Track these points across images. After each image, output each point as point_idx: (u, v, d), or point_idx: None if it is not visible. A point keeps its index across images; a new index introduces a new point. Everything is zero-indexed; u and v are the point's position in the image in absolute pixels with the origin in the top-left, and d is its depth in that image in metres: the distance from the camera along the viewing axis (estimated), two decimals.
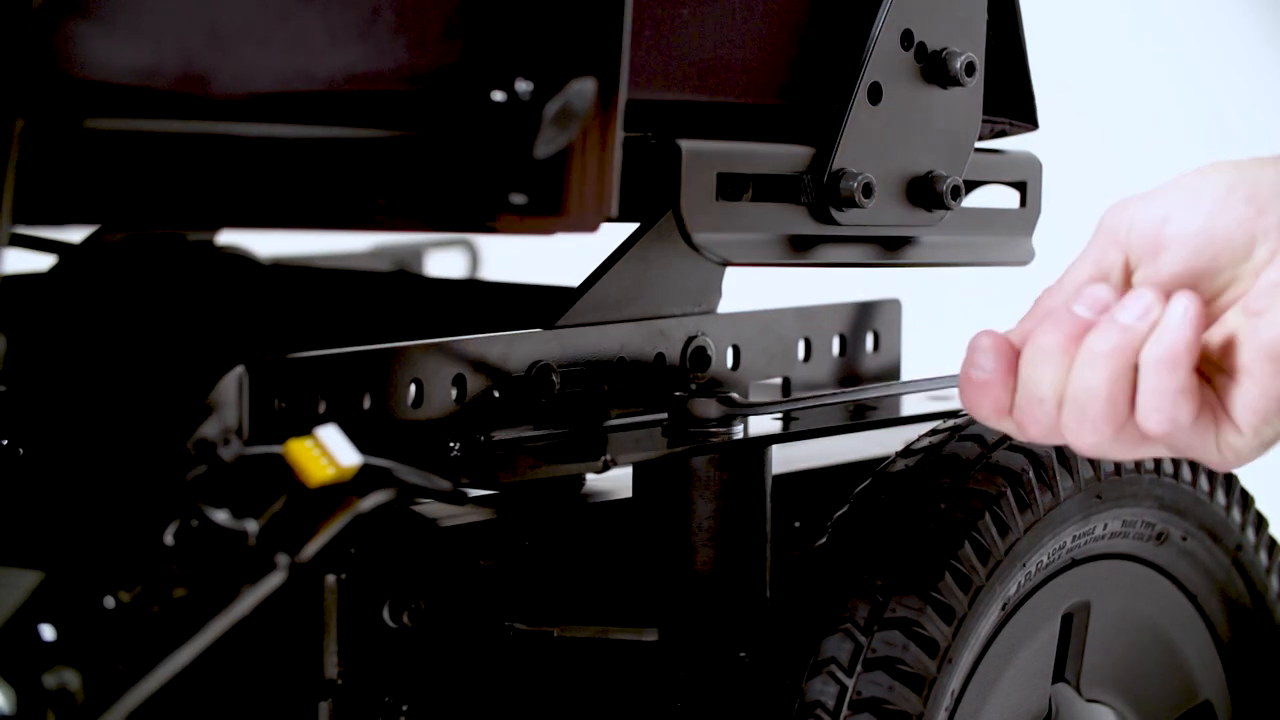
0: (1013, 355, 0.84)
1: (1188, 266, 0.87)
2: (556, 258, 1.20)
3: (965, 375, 0.84)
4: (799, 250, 0.96)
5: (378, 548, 0.86)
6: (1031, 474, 0.96)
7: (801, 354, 1.08)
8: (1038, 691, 1.00)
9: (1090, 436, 0.83)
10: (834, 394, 1.01)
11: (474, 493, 0.92)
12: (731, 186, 0.93)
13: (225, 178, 0.73)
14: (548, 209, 0.78)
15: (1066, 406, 0.83)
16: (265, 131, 0.74)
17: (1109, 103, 2.55)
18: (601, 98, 0.78)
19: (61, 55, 0.67)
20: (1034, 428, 0.84)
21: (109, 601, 0.72)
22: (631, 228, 0.96)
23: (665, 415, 0.96)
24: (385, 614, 0.86)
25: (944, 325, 1.07)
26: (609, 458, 0.94)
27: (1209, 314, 0.86)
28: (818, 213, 0.96)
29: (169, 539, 0.74)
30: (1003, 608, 0.96)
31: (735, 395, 0.95)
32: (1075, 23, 2.43)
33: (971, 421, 0.97)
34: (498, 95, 0.77)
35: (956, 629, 0.92)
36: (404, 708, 0.87)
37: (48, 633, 0.71)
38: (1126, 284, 0.88)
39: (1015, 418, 0.85)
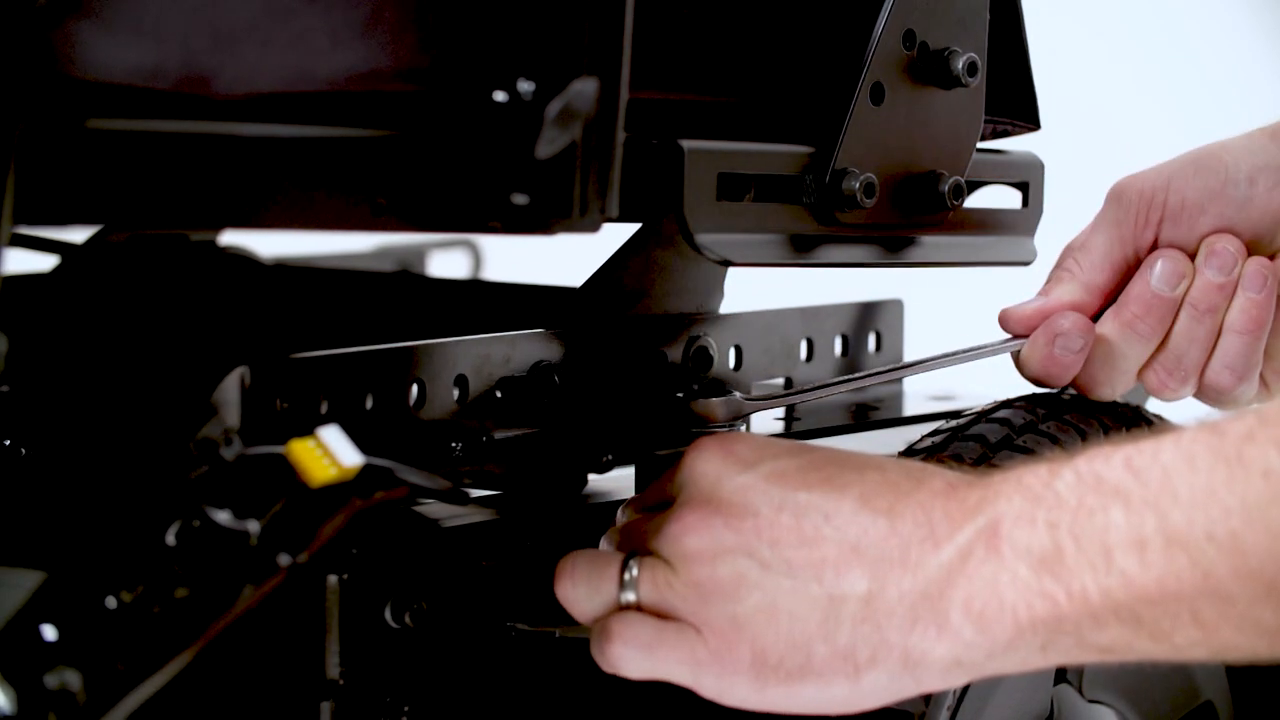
0: (1091, 330, 0.98)
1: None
2: (558, 258, 1.20)
3: (1048, 354, 0.98)
4: (801, 250, 0.96)
5: (380, 548, 0.86)
6: None
7: (804, 354, 1.08)
8: (1040, 692, 0.99)
9: (1185, 389, 1.00)
10: (871, 374, 1.02)
11: (476, 493, 0.92)
12: (733, 187, 0.93)
13: (227, 178, 0.74)
14: (550, 209, 0.78)
15: (1160, 363, 0.99)
16: (267, 131, 0.74)
17: (1111, 103, 2.55)
18: (603, 98, 0.78)
19: (64, 55, 0.67)
20: (1106, 390, 1.00)
21: (111, 602, 0.72)
22: (633, 228, 0.96)
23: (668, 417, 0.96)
24: (387, 614, 0.86)
25: (946, 325, 1.06)
26: (609, 457, 0.94)
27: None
28: (819, 213, 0.96)
29: (171, 539, 0.74)
30: None
31: (737, 394, 0.95)
32: (1077, 23, 2.43)
33: (974, 421, 0.97)
34: (500, 95, 0.77)
35: None
36: (406, 708, 0.87)
37: (49, 633, 0.71)
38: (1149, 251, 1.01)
39: (1083, 380, 1.00)
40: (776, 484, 0.81)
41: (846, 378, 1.02)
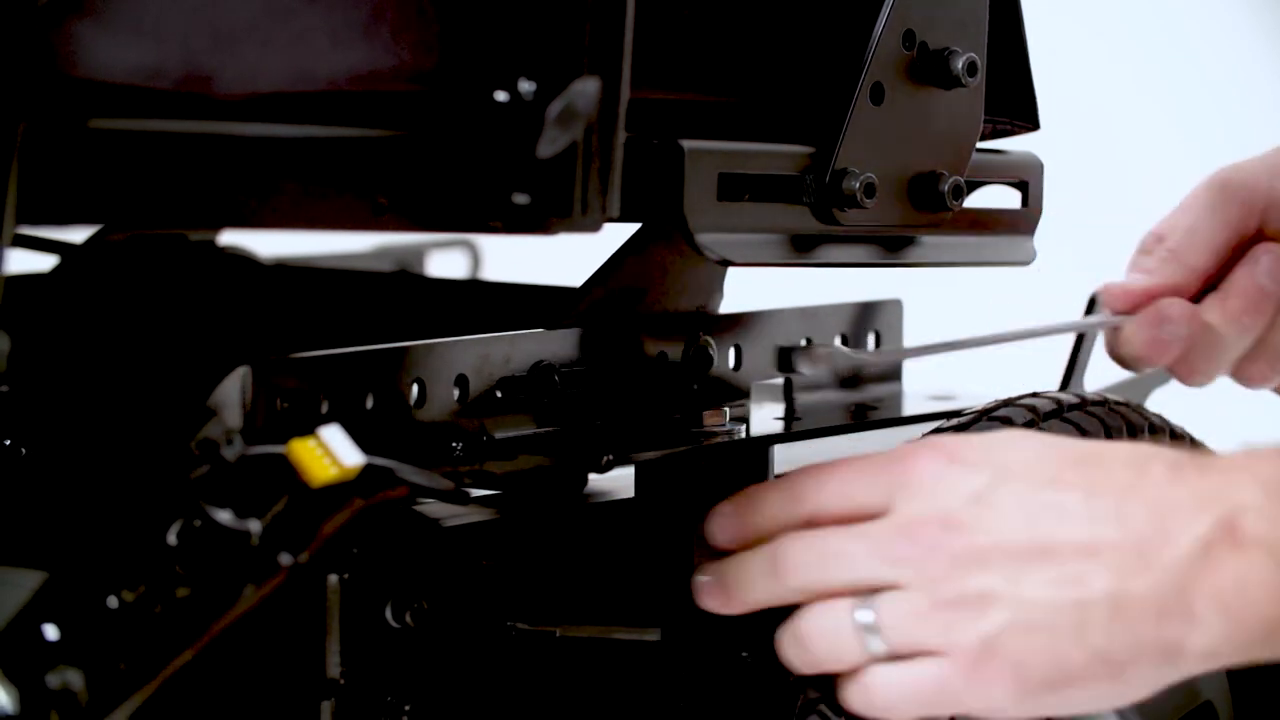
0: (1197, 318, 0.98)
1: None
2: (559, 258, 1.20)
3: (1154, 336, 0.98)
4: (801, 250, 0.96)
5: (380, 548, 0.86)
6: None
7: None
8: None
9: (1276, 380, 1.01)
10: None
11: (476, 493, 0.93)
12: (733, 186, 0.93)
13: (228, 178, 0.74)
14: (550, 209, 0.78)
15: (1263, 356, 1.00)
16: (267, 131, 0.74)
17: (1111, 103, 2.55)
18: (604, 98, 0.78)
19: (65, 55, 0.67)
20: (1201, 377, 1.00)
21: (112, 601, 0.72)
22: (633, 228, 0.96)
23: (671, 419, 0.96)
24: (388, 614, 0.86)
25: (945, 325, 1.06)
26: (609, 457, 0.94)
27: None
28: (819, 213, 0.96)
29: (172, 539, 0.74)
30: None
31: (746, 403, 0.95)
32: (1077, 23, 2.43)
33: (975, 420, 0.97)
34: (500, 95, 0.77)
35: None
36: (406, 708, 0.87)
37: (51, 632, 0.71)
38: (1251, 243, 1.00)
39: (1180, 366, 1.00)
40: (1004, 488, 0.80)
41: (938, 344, 1.02)
